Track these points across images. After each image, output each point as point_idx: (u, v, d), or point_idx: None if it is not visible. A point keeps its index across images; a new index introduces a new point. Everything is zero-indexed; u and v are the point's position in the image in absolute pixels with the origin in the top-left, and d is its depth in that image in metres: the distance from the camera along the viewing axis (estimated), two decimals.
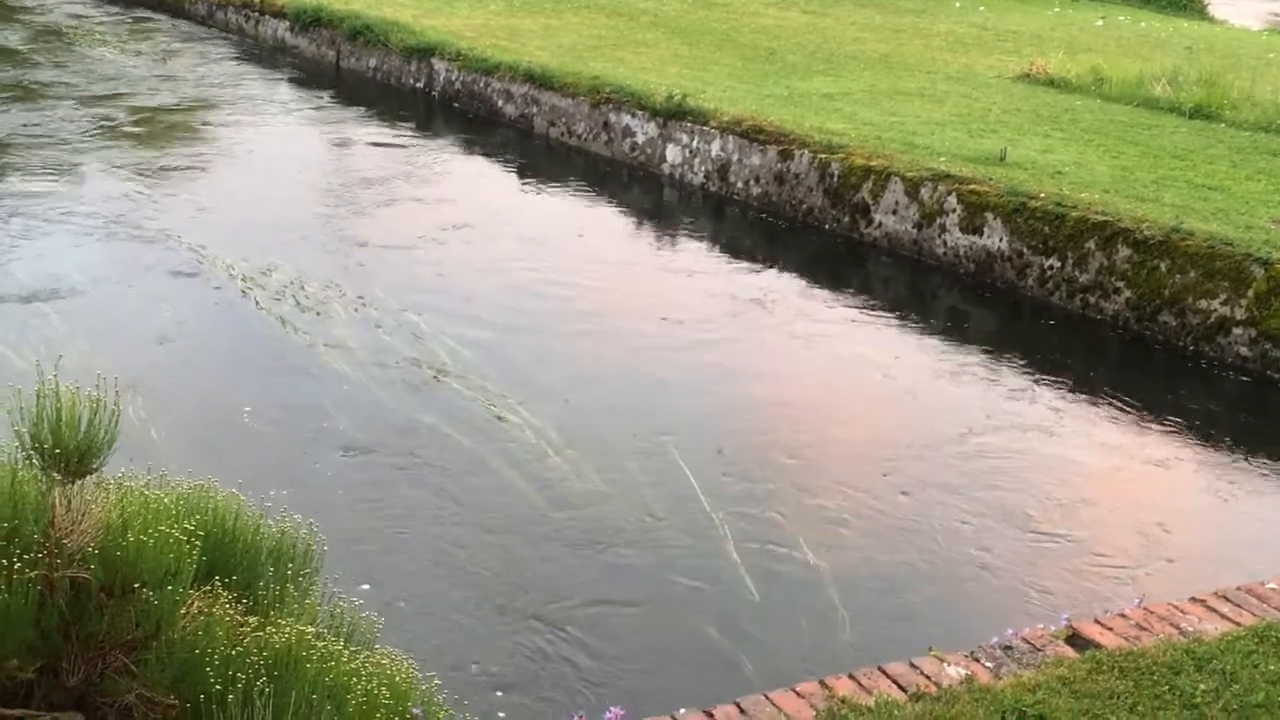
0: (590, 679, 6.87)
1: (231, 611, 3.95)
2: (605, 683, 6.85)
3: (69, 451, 3.84)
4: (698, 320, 12.64)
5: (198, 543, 3.91)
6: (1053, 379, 11.79)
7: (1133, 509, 9.43)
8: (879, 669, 5.43)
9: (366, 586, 7.07)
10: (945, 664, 5.50)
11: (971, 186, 14.37)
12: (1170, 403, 11.54)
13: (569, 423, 9.98)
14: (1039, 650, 5.70)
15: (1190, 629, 5.98)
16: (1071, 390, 11.60)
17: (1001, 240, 13.95)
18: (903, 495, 9.29)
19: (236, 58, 24.03)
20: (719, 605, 7.75)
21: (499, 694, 6.67)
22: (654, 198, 17.26)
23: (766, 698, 5.15)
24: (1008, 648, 5.71)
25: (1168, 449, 10.54)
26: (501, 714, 6.51)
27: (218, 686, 3.69)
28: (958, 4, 31.00)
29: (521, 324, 12.14)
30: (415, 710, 4.02)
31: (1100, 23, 30.01)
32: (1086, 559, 8.63)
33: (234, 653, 3.80)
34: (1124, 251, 13.00)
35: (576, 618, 7.45)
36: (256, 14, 25.87)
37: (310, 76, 22.93)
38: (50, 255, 12.96)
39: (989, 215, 14.05)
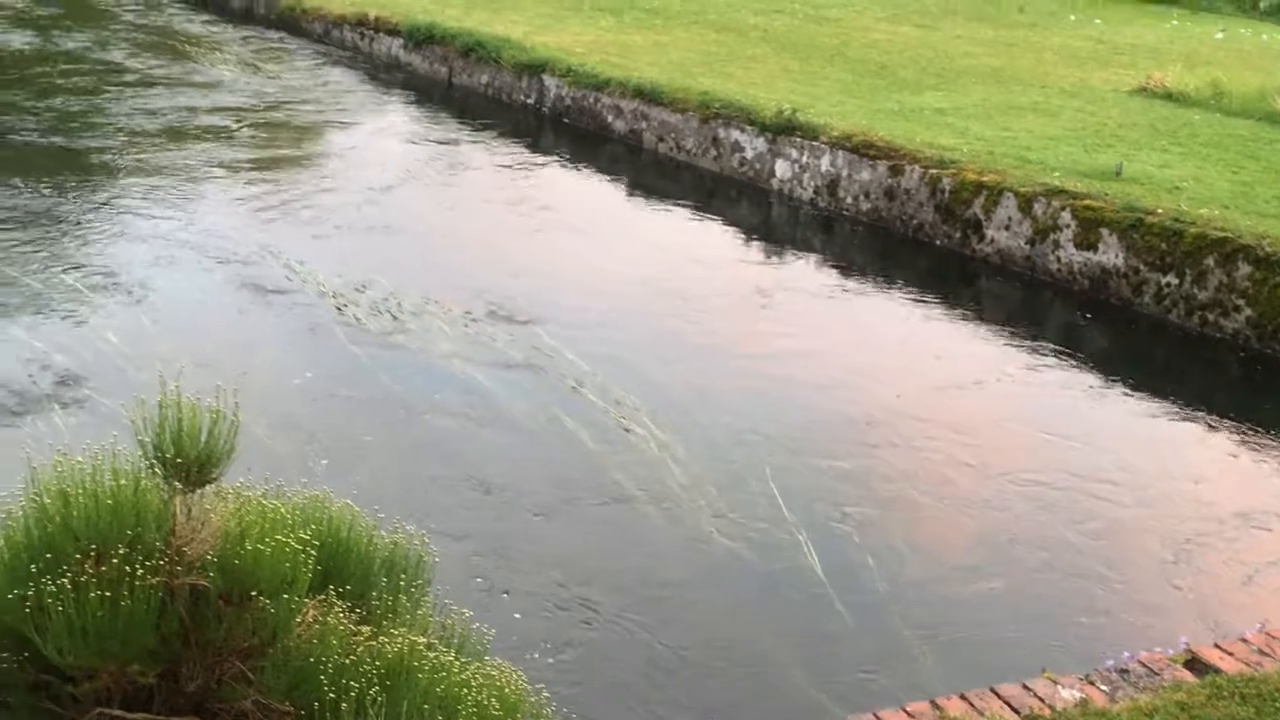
0: None
1: (345, 620, 3.99)
2: None
3: (190, 461, 3.92)
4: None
5: (313, 552, 3.96)
6: (1166, 400, 11.58)
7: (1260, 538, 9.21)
8: (991, 690, 5.36)
9: None
10: (1059, 686, 5.41)
11: (1086, 202, 14.15)
12: None
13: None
14: (1156, 674, 5.58)
15: None
16: (1189, 410, 11.38)
17: (1117, 256, 13.71)
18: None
19: (352, 75, 24.40)
20: None
21: None
22: (762, 213, 17.21)
23: (876, 717, 5.10)
24: (1124, 671, 5.60)
25: None
26: None
27: (331, 695, 3.74)
28: (1072, 17, 30.57)
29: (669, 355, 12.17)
30: None
31: (1220, 35, 29.40)
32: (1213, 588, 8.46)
33: (348, 661, 3.84)
34: (1244, 269, 12.71)
35: None
36: (371, 32, 26.26)
37: (423, 93, 23.22)
38: (163, 267, 13.26)
39: (1104, 231, 13.83)
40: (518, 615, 7.55)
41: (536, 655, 7.02)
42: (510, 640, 6.59)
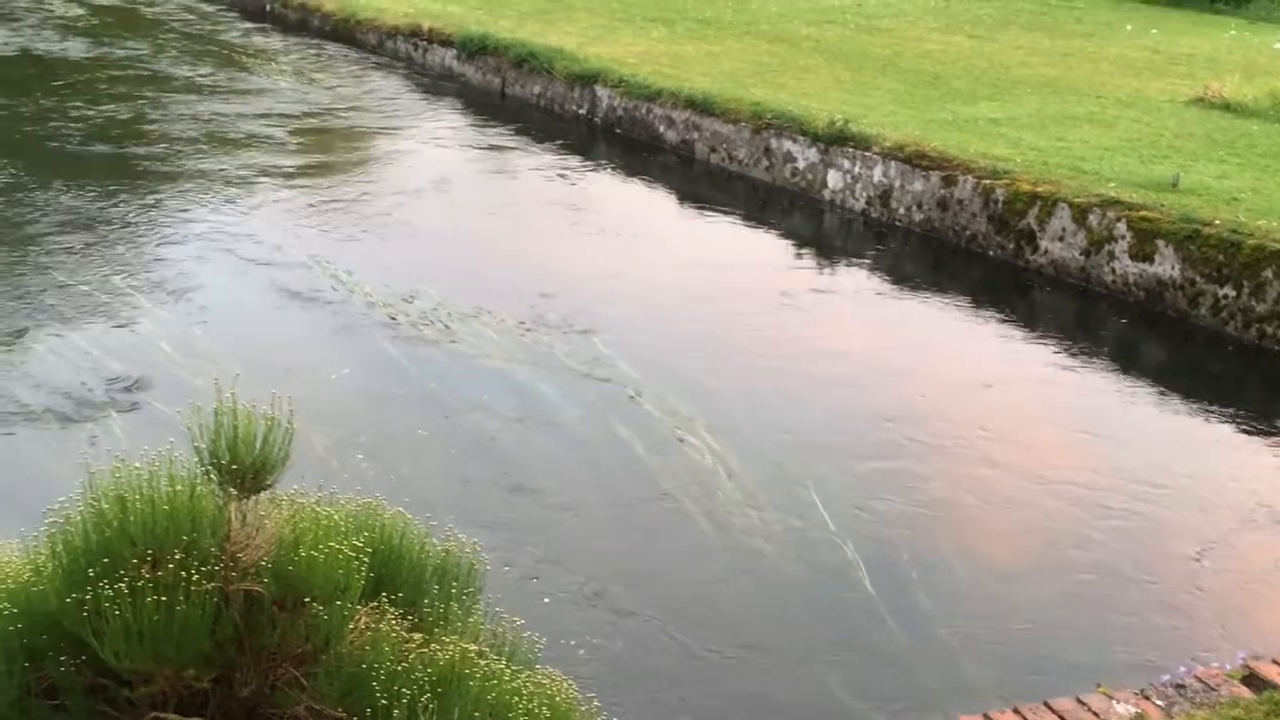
0: None
1: (397, 627, 4.00)
2: None
3: (245, 468, 3.94)
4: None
5: (366, 559, 3.97)
6: (1228, 412, 11.45)
7: None
8: (1044, 704, 5.31)
9: None
10: (1114, 701, 5.35)
11: (1142, 213, 14.03)
12: None
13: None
14: (1213, 690, 5.51)
15: None
16: (1247, 423, 11.25)
17: (1173, 268, 13.58)
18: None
19: (405, 85, 24.55)
20: None
21: None
22: (814, 224, 17.17)
23: None
24: (1180, 686, 5.54)
25: None
26: None
27: (383, 701, 3.74)
28: (1129, 27, 30.32)
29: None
30: None
31: (1279, 46, 29.07)
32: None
33: (400, 668, 3.84)
34: None
35: None
36: (425, 43, 26.41)
37: (476, 103, 23.32)
38: (213, 273, 13.39)
39: (1160, 242, 13.70)
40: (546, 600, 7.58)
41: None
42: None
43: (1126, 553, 8.84)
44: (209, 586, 3.72)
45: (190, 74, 23.98)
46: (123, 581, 3.62)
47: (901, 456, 10.22)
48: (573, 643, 7.28)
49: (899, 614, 7.92)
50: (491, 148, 20.17)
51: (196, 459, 3.98)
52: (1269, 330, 12.78)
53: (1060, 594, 8.36)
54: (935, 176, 16.14)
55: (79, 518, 3.84)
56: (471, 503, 8.99)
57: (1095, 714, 5.25)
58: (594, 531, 8.96)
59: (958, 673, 7.36)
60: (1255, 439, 11.03)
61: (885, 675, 7.37)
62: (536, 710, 3.85)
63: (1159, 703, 5.39)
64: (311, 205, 16.17)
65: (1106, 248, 14.21)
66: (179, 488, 3.84)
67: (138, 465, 3.88)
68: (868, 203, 17.04)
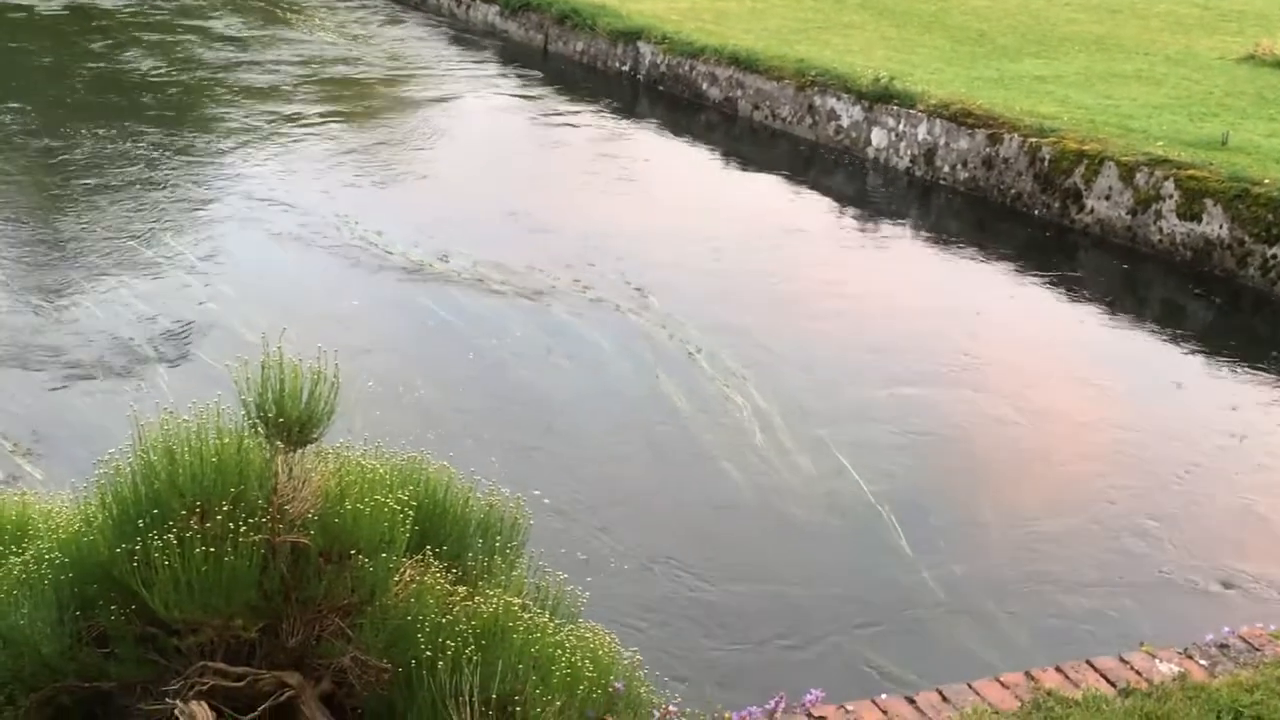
0: None
1: (442, 580, 4.03)
2: None
3: (291, 421, 3.97)
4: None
5: (410, 512, 4.00)
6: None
7: None
8: (1087, 662, 5.30)
9: None
10: (1157, 660, 5.34)
11: (1190, 172, 13.87)
12: None
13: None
14: (1257, 650, 5.49)
15: None
16: None
17: (1221, 227, 13.44)
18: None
19: (447, 40, 24.52)
20: None
21: None
22: (858, 182, 17.08)
23: (970, 686, 5.08)
24: (1224, 646, 5.51)
25: None
26: None
27: (428, 653, 3.78)
28: None
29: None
30: (617, 684, 4.06)
31: None
32: None
33: (444, 621, 3.88)
34: None
35: None
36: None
37: (519, 60, 23.27)
38: (257, 230, 13.47)
39: (1208, 201, 13.55)
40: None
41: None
42: None
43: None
44: (256, 538, 3.76)
45: (230, 28, 24.03)
46: (171, 532, 3.67)
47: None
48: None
49: None
50: (534, 105, 20.12)
51: (244, 413, 4.01)
52: None
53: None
54: (980, 135, 16.00)
55: (128, 470, 3.89)
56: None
57: (1138, 672, 5.23)
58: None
59: None
60: None
61: None
62: (579, 663, 3.88)
63: (1202, 662, 5.37)
64: (357, 164, 16.21)
65: (1154, 207, 14.06)
66: (226, 440, 3.88)
67: (186, 419, 3.92)
68: (912, 161, 16.92)
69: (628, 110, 20.14)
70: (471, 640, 3.80)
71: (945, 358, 11.24)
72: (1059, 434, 10.04)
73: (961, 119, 16.30)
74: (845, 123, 17.81)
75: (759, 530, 8.47)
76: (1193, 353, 11.89)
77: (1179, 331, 12.39)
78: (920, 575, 7.99)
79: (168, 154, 15.90)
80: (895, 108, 17.12)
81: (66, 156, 15.56)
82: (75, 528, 3.99)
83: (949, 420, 10.12)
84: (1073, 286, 13.34)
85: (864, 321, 12.16)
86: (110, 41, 22.42)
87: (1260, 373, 11.40)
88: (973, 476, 9.40)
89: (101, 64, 20.67)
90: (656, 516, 8.60)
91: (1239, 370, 11.46)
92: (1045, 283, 13.39)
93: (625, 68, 22.01)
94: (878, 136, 17.37)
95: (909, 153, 16.94)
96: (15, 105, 17.71)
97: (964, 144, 16.19)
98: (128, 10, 25.25)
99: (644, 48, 21.57)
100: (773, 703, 4.86)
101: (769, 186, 16.47)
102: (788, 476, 9.04)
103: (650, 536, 8.29)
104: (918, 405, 10.31)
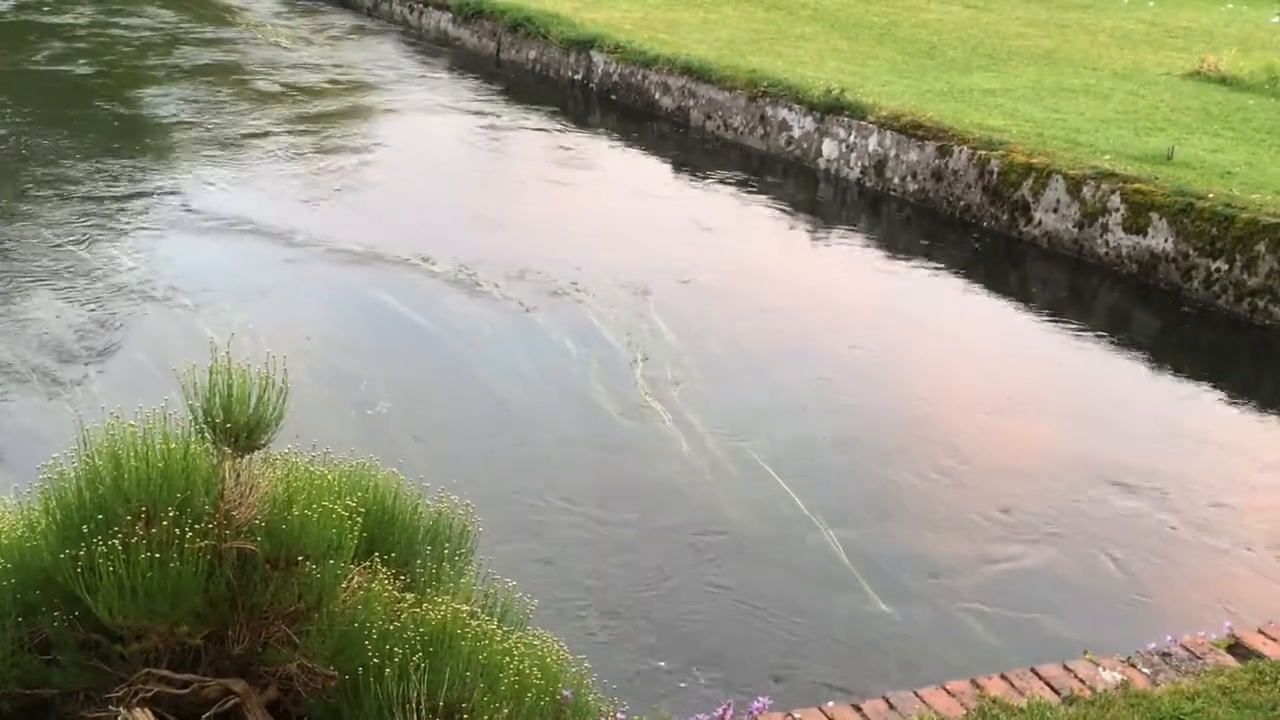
0: None
1: (390, 587, 4.03)
2: None
3: (239, 427, 3.96)
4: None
5: (359, 519, 3.99)
6: (1215, 385, 11.53)
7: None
8: (1031, 670, 5.35)
9: None
10: (1100, 668, 5.40)
11: (1136, 185, 14.02)
12: None
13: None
14: (1199, 658, 5.56)
15: None
16: (1236, 397, 11.32)
17: (1166, 241, 13.59)
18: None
19: (400, 48, 24.46)
20: None
21: None
22: (808, 192, 17.15)
23: (916, 694, 5.11)
24: (1166, 654, 5.58)
25: None
26: None
27: (375, 660, 3.77)
28: (1126, 0, 30.25)
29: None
30: (565, 692, 4.07)
31: (1276, 20, 29.00)
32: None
33: (391, 628, 3.88)
34: None
35: None
36: (420, 6, 26.30)
37: (471, 68, 23.23)
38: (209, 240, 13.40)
39: (1154, 215, 13.70)
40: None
41: None
42: None
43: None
44: (202, 544, 3.75)
45: (178, 29, 23.87)
46: (116, 538, 3.64)
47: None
48: None
49: None
50: (486, 114, 20.09)
51: (191, 418, 3.99)
52: (1260, 304, 12.80)
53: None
54: (930, 146, 16.12)
55: (73, 474, 3.86)
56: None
57: (1082, 680, 5.29)
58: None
59: None
60: (1241, 411, 11.09)
61: None
62: (527, 670, 3.88)
63: (1145, 670, 5.43)
64: (312, 176, 16.14)
65: (1100, 220, 14.21)
66: (173, 445, 3.86)
67: (132, 423, 3.89)
68: (863, 172, 17.02)
69: (580, 119, 20.14)
70: (419, 647, 3.80)
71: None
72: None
73: (911, 131, 16.42)
74: (797, 133, 17.89)
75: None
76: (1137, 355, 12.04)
77: (1124, 339, 12.52)
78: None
79: (123, 171, 15.78)
80: (846, 119, 17.22)
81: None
82: (18, 533, 3.96)
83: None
84: (1018, 295, 13.48)
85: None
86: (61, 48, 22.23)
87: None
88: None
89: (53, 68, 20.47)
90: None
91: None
92: (990, 290, 13.52)
93: (578, 76, 22.02)
94: (829, 148, 17.45)
95: (859, 164, 17.04)
96: None
97: (914, 156, 16.30)
98: (79, 23, 25.05)
99: (596, 56, 21.60)
100: (720, 710, 4.88)
101: (720, 198, 16.49)
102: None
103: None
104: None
